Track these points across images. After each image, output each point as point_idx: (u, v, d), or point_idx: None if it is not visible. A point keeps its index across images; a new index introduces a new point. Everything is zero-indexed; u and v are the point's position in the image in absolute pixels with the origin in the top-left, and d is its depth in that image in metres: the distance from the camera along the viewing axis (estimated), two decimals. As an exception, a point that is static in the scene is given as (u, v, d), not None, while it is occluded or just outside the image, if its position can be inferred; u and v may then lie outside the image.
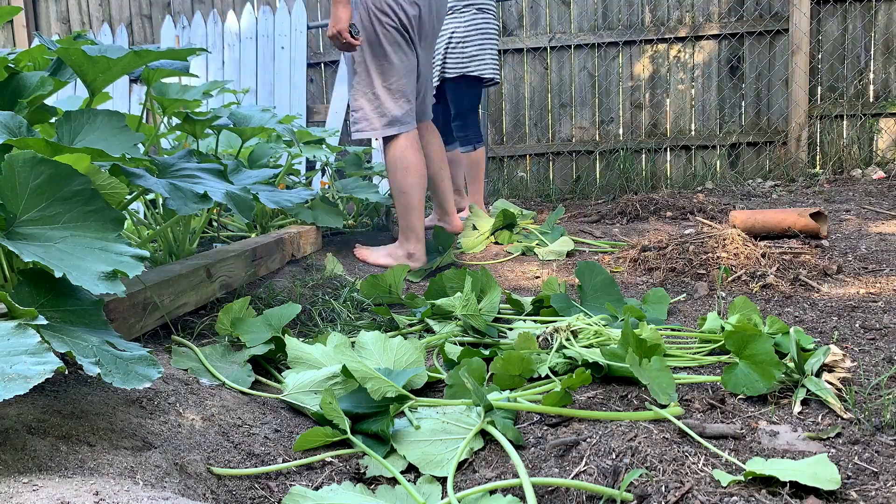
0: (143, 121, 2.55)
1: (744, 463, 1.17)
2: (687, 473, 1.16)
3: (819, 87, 5.01)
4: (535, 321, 2.16)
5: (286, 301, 2.21)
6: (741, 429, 1.34)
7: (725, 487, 1.10)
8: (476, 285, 2.17)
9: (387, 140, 3.03)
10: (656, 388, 1.46)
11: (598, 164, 5.30)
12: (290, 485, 1.31)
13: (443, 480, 1.31)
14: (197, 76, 2.41)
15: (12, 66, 1.79)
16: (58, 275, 1.19)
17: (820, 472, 1.09)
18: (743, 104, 5.14)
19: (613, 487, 1.16)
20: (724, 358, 1.72)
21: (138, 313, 1.70)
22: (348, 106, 5.22)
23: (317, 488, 1.30)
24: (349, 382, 1.59)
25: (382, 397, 1.53)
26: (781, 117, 5.03)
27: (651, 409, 1.39)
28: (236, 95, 4.61)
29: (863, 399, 1.44)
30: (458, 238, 3.59)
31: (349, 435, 1.42)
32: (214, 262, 2.09)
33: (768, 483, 1.10)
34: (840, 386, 1.49)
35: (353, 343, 1.81)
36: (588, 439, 1.31)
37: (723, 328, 1.84)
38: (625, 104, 5.27)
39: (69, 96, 2.75)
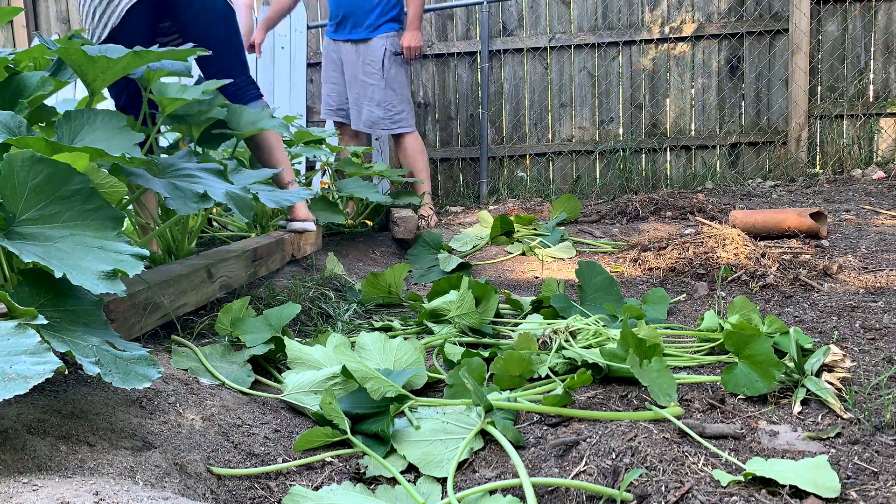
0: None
1: (744, 463, 1.17)
2: (687, 473, 1.16)
3: (819, 87, 5.01)
4: (534, 322, 2.16)
5: (286, 301, 2.21)
6: (741, 429, 1.34)
7: (725, 487, 1.10)
8: (472, 288, 2.17)
9: (406, 135, 4.25)
10: (657, 390, 1.46)
11: (598, 164, 5.30)
12: (290, 485, 1.31)
13: (443, 480, 1.31)
14: (193, 77, 2.41)
15: (12, 66, 1.79)
16: (58, 275, 1.19)
17: (820, 478, 1.08)
18: (743, 104, 5.14)
19: (613, 487, 1.16)
20: (723, 358, 1.72)
21: (138, 313, 1.70)
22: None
23: (317, 488, 1.30)
24: (349, 383, 1.59)
25: (382, 397, 1.53)
26: (781, 117, 5.03)
27: (651, 409, 1.39)
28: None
29: (863, 399, 1.43)
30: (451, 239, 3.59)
31: (349, 435, 1.42)
32: (215, 262, 2.09)
33: (768, 483, 1.10)
34: (840, 386, 1.49)
35: (352, 344, 1.81)
36: (588, 439, 1.31)
37: (721, 327, 1.84)
38: (625, 104, 5.26)
39: (66, 98, 2.74)
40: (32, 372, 0.99)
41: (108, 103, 2.55)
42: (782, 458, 1.22)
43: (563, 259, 3.25)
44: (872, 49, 4.93)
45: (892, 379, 1.53)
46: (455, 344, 1.97)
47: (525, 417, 1.51)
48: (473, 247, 3.55)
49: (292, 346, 1.77)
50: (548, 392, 1.57)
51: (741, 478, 1.12)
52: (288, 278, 2.55)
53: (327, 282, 2.60)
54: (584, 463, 1.24)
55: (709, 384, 1.59)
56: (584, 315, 2.05)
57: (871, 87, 4.95)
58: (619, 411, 1.48)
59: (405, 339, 1.89)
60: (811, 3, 4.86)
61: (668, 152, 5.22)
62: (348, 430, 1.42)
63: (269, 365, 1.84)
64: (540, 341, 1.85)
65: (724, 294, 2.41)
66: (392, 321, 2.30)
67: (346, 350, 1.72)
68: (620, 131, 5.29)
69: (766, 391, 1.48)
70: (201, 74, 2.63)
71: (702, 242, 2.85)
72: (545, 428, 1.45)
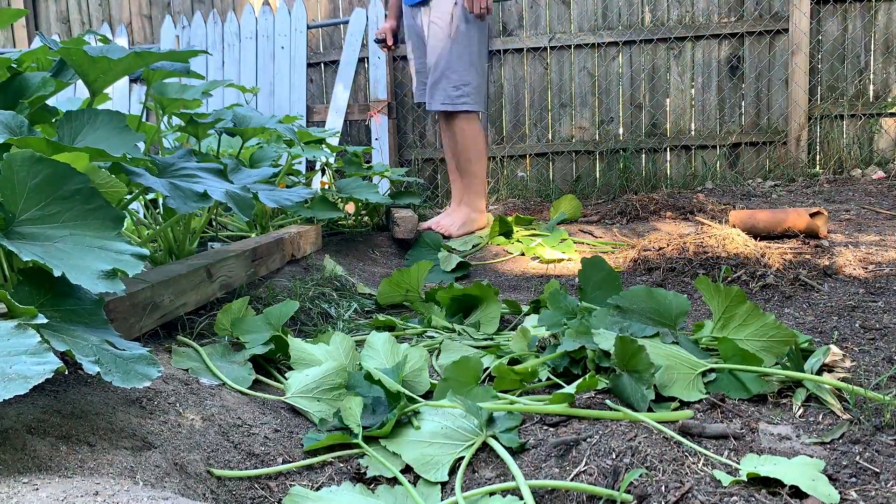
0: (143, 120, 2.55)
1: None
2: (687, 473, 1.16)
3: (819, 87, 5.01)
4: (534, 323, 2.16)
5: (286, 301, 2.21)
6: (741, 429, 1.34)
7: (725, 487, 1.10)
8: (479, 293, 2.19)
9: (462, 114, 3.56)
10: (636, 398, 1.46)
11: (598, 164, 5.30)
12: (290, 485, 1.31)
13: (443, 482, 1.31)
14: (203, 77, 2.41)
15: (15, 66, 1.79)
16: (57, 274, 1.19)
17: (820, 486, 1.08)
18: (743, 104, 5.13)
19: (613, 487, 1.16)
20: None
21: (138, 313, 1.70)
22: (348, 105, 5.22)
23: (317, 489, 1.30)
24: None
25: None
26: (781, 117, 5.03)
27: (651, 410, 1.39)
28: (244, 94, 4.60)
29: (863, 399, 1.43)
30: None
31: (360, 440, 1.42)
32: (214, 262, 2.09)
33: (768, 483, 1.10)
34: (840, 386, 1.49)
35: (356, 343, 1.81)
36: (588, 439, 1.31)
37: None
38: (625, 104, 5.26)
39: (68, 98, 2.74)
40: (32, 372, 0.99)
41: (111, 104, 2.56)
42: (782, 458, 1.22)
43: (563, 259, 3.25)
44: (872, 49, 4.93)
45: (892, 379, 1.53)
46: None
47: (526, 417, 1.51)
48: (473, 247, 3.55)
49: (295, 344, 1.77)
50: (549, 394, 1.57)
51: (741, 478, 1.12)
52: (288, 278, 2.55)
53: (327, 282, 2.60)
54: (584, 463, 1.24)
55: (709, 384, 1.59)
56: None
57: (871, 87, 4.95)
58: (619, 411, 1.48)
59: (407, 341, 1.90)
60: (811, 3, 4.86)
61: (668, 152, 5.22)
62: (360, 436, 1.42)
63: (270, 365, 1.84)
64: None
65: (724, 294, 2.41)
66: (395, 320, 2.30)
67: (350, 350, 1.72)
68: (620, 131, 5.29)
69: (751, 394, 1.48)
70: None
71: (702, 242, 2.85)
72: (546, 428, 1.45)
